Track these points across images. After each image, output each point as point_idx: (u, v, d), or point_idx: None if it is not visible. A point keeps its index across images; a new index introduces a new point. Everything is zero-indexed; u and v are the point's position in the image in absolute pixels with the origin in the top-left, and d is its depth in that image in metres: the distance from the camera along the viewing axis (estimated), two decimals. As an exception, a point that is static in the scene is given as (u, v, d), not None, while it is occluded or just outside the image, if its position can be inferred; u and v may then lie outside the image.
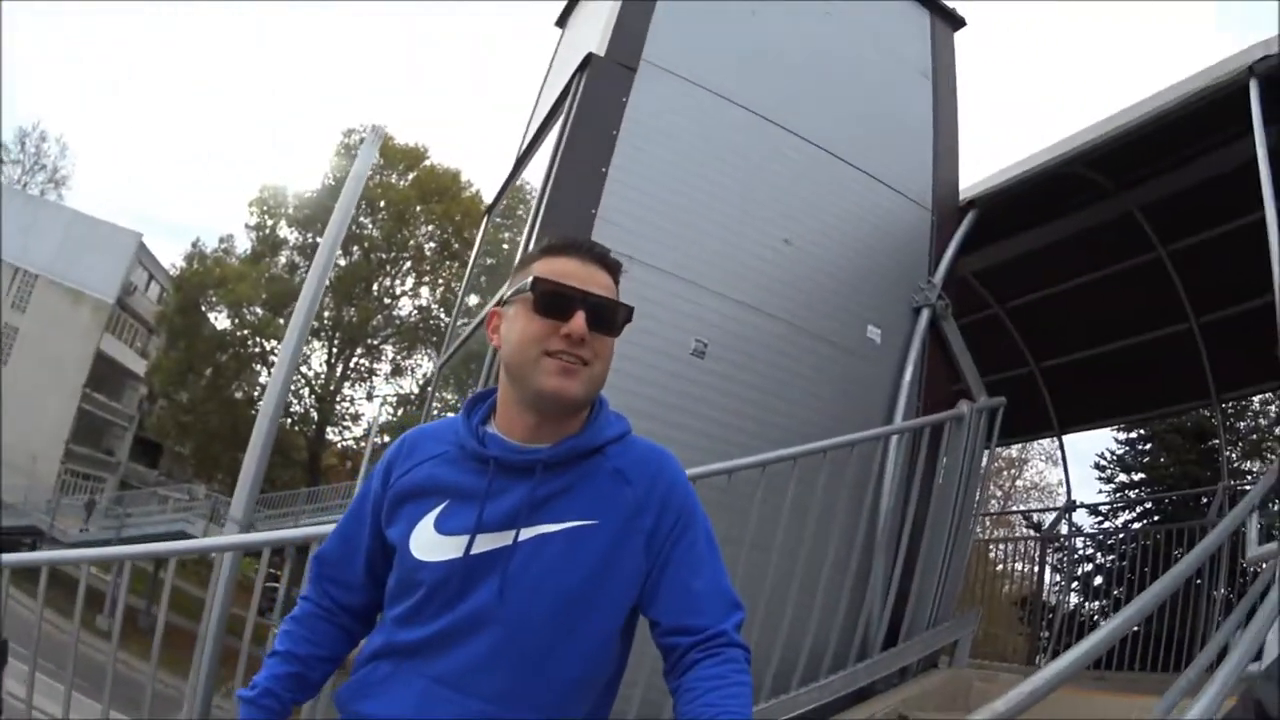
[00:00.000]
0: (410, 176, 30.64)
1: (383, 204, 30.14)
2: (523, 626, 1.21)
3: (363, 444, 29.07)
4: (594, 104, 3.51)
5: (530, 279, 1.27)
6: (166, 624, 3.09)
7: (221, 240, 33.47)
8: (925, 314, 4.13)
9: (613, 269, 1.33)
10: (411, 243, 30.78)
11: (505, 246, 4.96)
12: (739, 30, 4.00)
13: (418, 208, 30.03)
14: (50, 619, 2.99)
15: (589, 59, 3.57)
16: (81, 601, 2.82)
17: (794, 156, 3.94)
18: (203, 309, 30.77)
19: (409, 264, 31.22)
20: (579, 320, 1.23)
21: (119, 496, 31.00)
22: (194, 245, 34.43)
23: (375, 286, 31.08)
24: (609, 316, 1.28)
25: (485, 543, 1.24)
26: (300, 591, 1.46)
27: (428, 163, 30.86)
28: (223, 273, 29.95)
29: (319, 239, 28.78)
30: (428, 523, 1.27)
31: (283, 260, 31.25)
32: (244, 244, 32.35)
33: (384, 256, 30.84)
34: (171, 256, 47.92)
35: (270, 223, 31.37)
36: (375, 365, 31.93)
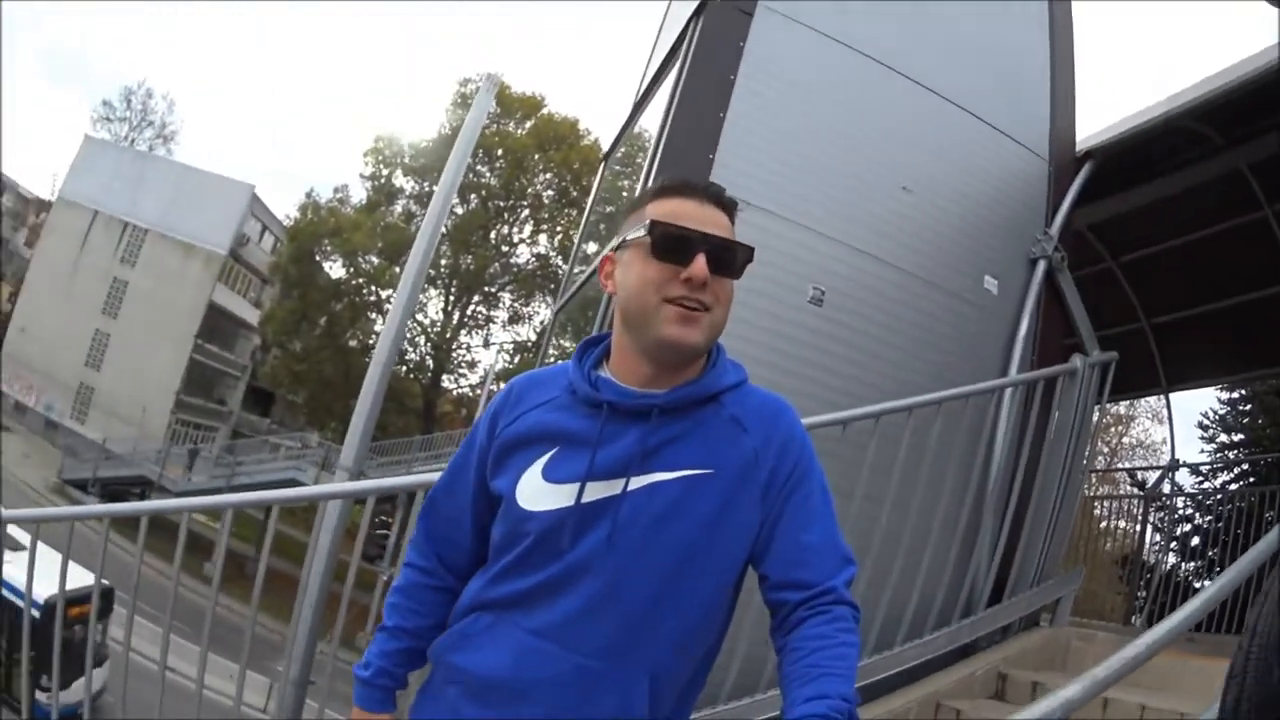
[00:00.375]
0: (528, 125, 30.46)
1: (500, 152, 29.99)
2: (630, 576, 1.17)
3: (478, 391, 29.33)
4: (711, 48, 3.46)
5: (647, 221, 1.21)
6: (276, 571, 3.16)
7: (336, 190, 34.18)
8: (1041, 266, 4.00)
9: (729, 208, 1.27)
10: (529, 191, 30.61)
11: (624, 193, 4.95)
12: None
13: (535, 156, 29.82)
14: (158, 567, 3.04)
15: (705, 2, 3.52)
16: (181, 549, 2.83)
17: (912, 103, 3.83)
18: (317, 258, 31.05)
19: (527, 212, 31.06)
20: (700, 263, 1.17)
21: (230, 445, 31.59)
22: (308, 196, 35.14)
23: (493, 234, 31.02)
24: (730, 258, 1.22)
25: (596, 490, 1.19)
26: (404, 556, 1.41)
27: (545, 111, 30.61)
28: (337, 222, 30.25)
29: (435, 188, 29.08)
30: (535, 471, 1.23)
31: (398, 209, 31.38)
32: (359, 194, 32.55)
33: (501, 204, 30.72)
34: (286, 208, 48.16)
35: (386, 172, 31.54)
36: (492, 313, 31.96)
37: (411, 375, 30.27)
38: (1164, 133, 4.52)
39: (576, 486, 1.19)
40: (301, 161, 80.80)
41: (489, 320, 31.89)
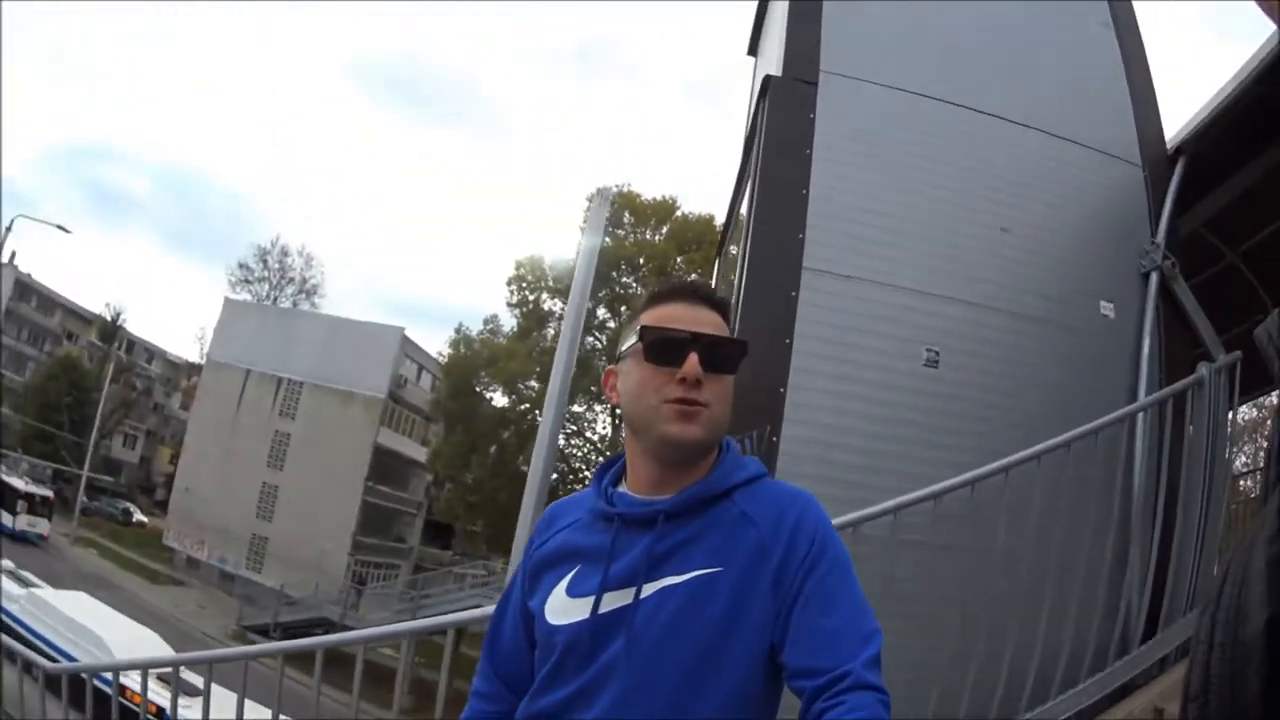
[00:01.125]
0: (664, 230, 30.72)
1: (642, 260, 30.23)
2: (651, 681, 1.16)
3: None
4: (782, 126, 3.41)
5: (639, 329, 1.26)
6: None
7: (486, 321, 33.97)
8: (1154, 278, 3.79)
9: (721, 308, 1.30)
10: (677, 294, 30.72)
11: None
12: (911, 19, 3.80)
13: (677, 259, 29.67)
14: (341, 698, 3.11)
15: (768, 82, 3.47)
16: (318, 677, 2.90)
17: (993, 137, 3.70)
18: (477, 390, 31.41)
19: (677, 316, 31.28)
20: (692, 362, 1.20)
21: (413, 580, 32.25)
22: (457, 331, 34.95)
23: None
24: (722, 355, 1.24)
25: (613, 600, 1.21)
26: (471, 686, 1.44)
27: (680, 213, 30.74)
28: (491, 353, 30.71)
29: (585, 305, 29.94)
30: (560, 588, 1.26)
31: (551, 332, 31.25)
32: (509, 322, 32.72)
33: None
34: (437, 344, 48.32)
35: (532, 297, 31.77)
36: (660, 421, 32.04)
37: (587, 494, 30.58)
38: (1249, 104, 4.26)
39: (593, 599, 1.22)
40: (447, 298, 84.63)
41: (658, 428, 31.90)
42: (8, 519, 31.60)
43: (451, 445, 31.31)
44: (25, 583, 17.33)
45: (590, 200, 29.83)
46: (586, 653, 1.20)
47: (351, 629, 24.85)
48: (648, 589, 1.20)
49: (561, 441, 31.60)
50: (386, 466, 36.01)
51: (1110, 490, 3.42)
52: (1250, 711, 0.43)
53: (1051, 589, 3.12)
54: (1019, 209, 3.63)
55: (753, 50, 4.94)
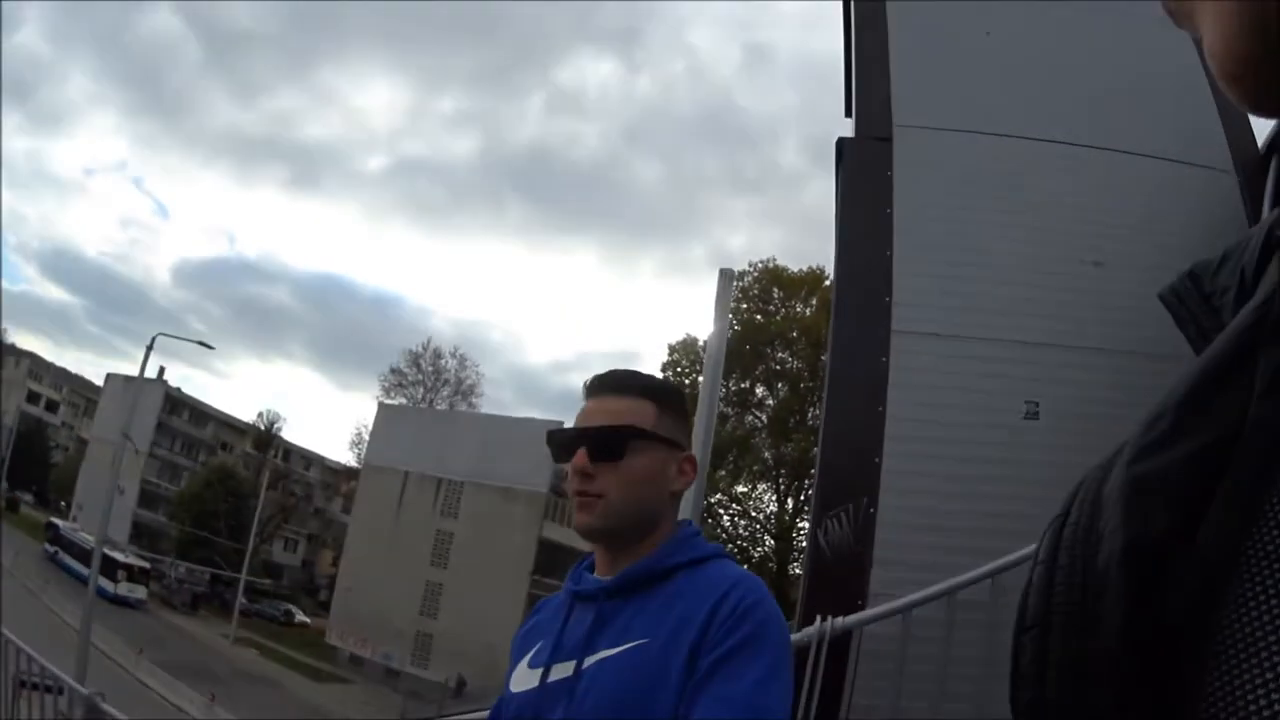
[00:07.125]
0: (814, 301, 30.98)
1: (795, 334, 30.78)
2: None
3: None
4: (860, 188, 3.37)
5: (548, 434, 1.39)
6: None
7: None
8: (1260, 290, 3.63)
9: (628, 390, 1.36)
10: (834, 365, 30.55)
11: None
12: (980, 57, 3.69)
13: (827, 329, 29.59)
14: None
15: (840, 145, 3.45)
16: None
17: (1077, 167, 3.57)
18: None
19: (836, 385, 31.28)
20: (577, 458, 1.30)
21: None
22: None
23: (809, 415, 31.21)
24: (609, 445, 1.31)
25: (560, 671, 1.29)
26: None
27: (828, 283, 30.12)
28: None
29: (742, 384, 30.95)
30: (524, 661, 1.36)
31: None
32: None
33: (810, 384, 31.04)
34: None
35: (688, 381, 31.77)
36: (829, 491, 32.15)
37: (771, 565, 30.84)
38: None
39: (543, 669, 1.31)
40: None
41: (827, 499, 31.95)
42: (109, 585, 33.75)
43: (614, 533, 31.99)
44: None
45: (737, 279, 30.33)
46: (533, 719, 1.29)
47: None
48: (588, 660, 1.28)
49: (727, 521, 32.89)
50: (553, 559, 35.98)
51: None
52: (1105, 653, 0.39)
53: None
54: (1109, 237, 3.48)
55: (849, 111, 4.88)
